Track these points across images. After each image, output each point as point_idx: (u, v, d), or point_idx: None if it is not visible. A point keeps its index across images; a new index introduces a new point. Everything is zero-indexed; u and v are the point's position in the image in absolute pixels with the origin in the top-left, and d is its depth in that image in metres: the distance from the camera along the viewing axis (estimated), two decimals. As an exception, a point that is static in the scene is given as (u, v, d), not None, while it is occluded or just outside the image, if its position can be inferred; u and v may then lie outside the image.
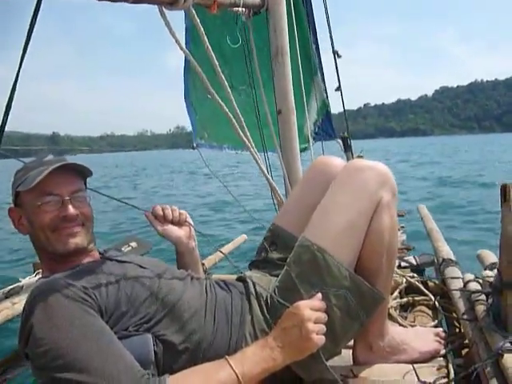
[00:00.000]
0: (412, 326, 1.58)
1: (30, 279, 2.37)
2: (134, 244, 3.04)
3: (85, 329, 1.00)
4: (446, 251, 2.02)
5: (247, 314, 1.22)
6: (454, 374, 1.25)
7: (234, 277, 1.45)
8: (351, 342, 1.37)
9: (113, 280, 1.13)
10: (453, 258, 1.93)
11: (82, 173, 1.23)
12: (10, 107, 1.63)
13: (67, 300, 1.02)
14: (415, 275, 1.96)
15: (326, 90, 3.45)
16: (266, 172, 1.71)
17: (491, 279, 1.43)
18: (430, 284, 1.89)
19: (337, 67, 3.32)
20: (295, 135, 1.98)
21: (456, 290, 1.56)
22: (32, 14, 1.49)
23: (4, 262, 5.23)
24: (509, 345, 1.14)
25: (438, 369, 1.29)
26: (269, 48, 2.07)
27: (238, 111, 1.54)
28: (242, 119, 1.57)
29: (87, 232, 1.20)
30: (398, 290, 1.82)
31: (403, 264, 2.17)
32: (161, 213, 1.30)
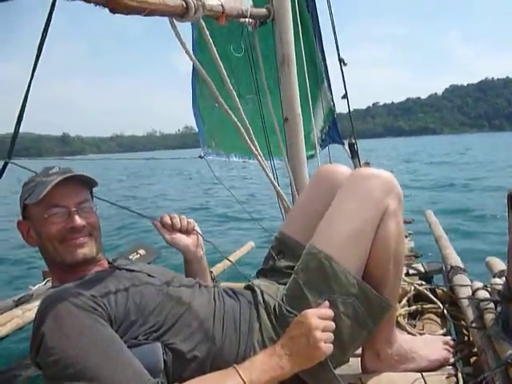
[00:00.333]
0: (421, 334, 1.57)
1: (40, 287, 2.39)
2: (142, 251, 3.07)
3: (95, 338, 1.01)
4: (455, 259, 2.01)
5: (255, 322, 1.23)
6: (464, 382, 1.24)
7: (242, 285, 1.45)
8: (359, 351, 1.37)
9: (122, 289, 1.14)
10: (461, 265, 1.92)
11: (88, 183, 1.25)
12: (22, 118, 1.65)
13: (77, 309, 1.03)
14: (423, 283, 1.95)
15: (332, 98, 3.46)
16: (273, 179, 1.72)
17: (500, 287, 1.43)
18: (439, 292, 1.88)
19: (343, 75, 3.33)
20: (302, 143, 1.99)
21: (464, 298, 1.55)
22: (45, 21, 1.52)
23: (15, 269, 5.28)
24: (518, 353, 1.13)
25: (447, 377, 1.29)
26: (274, 56, 2.10)
27: (246, 120, 1.55)
28: (250, 128, 1.58)
29: (95, 242, 1.22)
30: (406, 298, 1.81)
31: (411, 271, 2.16)
32: (169, 221, 1.31)
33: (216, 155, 3.08)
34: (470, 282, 1.69)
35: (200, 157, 2.95)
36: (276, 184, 1.76)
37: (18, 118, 1.65)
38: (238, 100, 1.53)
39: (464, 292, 1.62)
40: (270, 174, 1.70)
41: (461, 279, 1.75)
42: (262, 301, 1.27)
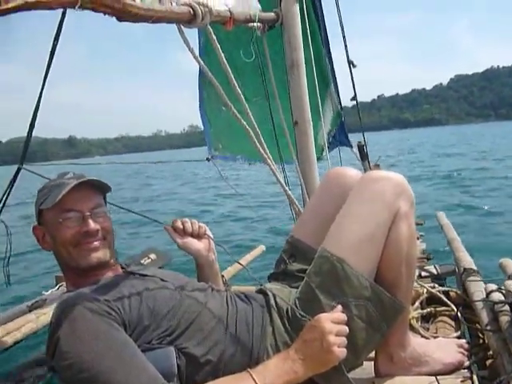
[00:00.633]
0: (434, 337, 1.56)
1: (53, 292, 2.41)
2: (153, 256, 3.08)
3: (109, 342, 1.02)
4: (468, 261, 1.99)
5: (268, 326, 1.23)
6: (479, 385, 1.23)
7: (254, 289, 1.45)
8: (372, 354, 1.36)
9: (135, 294, 1.15)
10: (474, 267, 1.90)
11: (102, 188, 1.26)
12: (34, 125, 1.68)
13: (92, 314, 1.04)
14: (436, 285, 1.94)
15: (340, 102, 3.45)
16: (283, 183, 1.72)
17: (514, 289, 1.41)
18: (452, 294, 1.86)
19: (352, 77, 3.32)
20: (312, 146, 1.99)
21: (479, 300, 1.54)
22: (56, 30, 1.54)
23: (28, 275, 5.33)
24: (534, 356, 1.12)
25: (463, 381, 1.27)
26: (282, 60, 2.10)
27: (255, 122, 1.56)
28: (259, 131, 1.59)
29: (109, 246, 1.23)
30: (419, 301, 1.79)
31: (424, 274, 2.15)
32: (180, 226, 1.32)
33: (223, 157, 3.09)
34: (483, 285, 1.67)
35: (207, 159, 2.97)
36: (286, 188, 1.76)
37: (30, 126, 1.68)
38: (245, 102, 1.53)
39: (478, 294, 1.60)
40: (281, 178, 1.70)
41: (474, 281, 1.73)
42: (274, 304, 1.27)
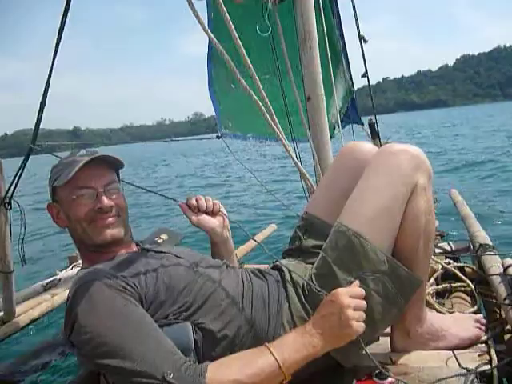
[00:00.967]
0: (450, 313, 1.55)
1: (67, 272, 2.44)
2: (164, 236, 3.08)
3: (127, 317, 1.02)
4: (483, 237, 1.97)
5: (284, 301, 1.22)
6: (497, 360, 1.22)
7: (268, 266, 1.45)
8: (388, 330, 1.36)
9: (151, 270, 1.15)
10: (490, 243, 1.88)
11: (114, 165, 1.25)
12: (44, 105, 1.66)
13: (109, 289, 1.05)
14: (451, 261, 1.92)
15: (351, 77, 3.39)
16: (295, 159, 1.70)
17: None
18: (467, 270, 1.84)
19: (363, 53, 3.25)
20: (325, 121, 1.96)
21: (496, 274, 1.52)
22: (60, 20, 1.52)
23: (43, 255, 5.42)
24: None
25: (480, 355, 1.26)
26: (293, 37, 2.05)
27: (267, 99, 1.53)
28: (271, 107, 1.56)
29: (123, 223, 1.23)
30: (434, 277, 1.78)
31: (437, 251, 2.13)
32: (195, 203, 1.31)
33: (233, 136, 3.07)
34: (500, 259, 1.66)
35: (217, 137, 2.95)
36: (299, 164, 1.74)
37: (40, 105, 1.66)
38: (257, 78, 1.49)
39: (495, 269, 1.59)
40: (293, 154, 1.68)
41: (490, 257, 1.71)
42: (290, 280, 1.27)
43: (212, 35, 1.40)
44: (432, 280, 1.78)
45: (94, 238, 1.19)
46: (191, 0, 1.38)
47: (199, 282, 1.17)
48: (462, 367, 1.18)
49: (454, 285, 1.75)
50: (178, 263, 1.21)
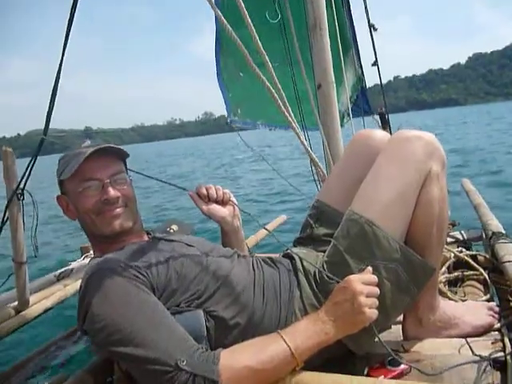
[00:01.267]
0: (463, 301, 1.54)
1: (79, 262, 2.46)
2: (175, 227, 3.10)
3: (139, 305, 1.03)
4: (496, 225, 1.95)
5: (296, 289, 1.22)
6: (511, 347, 1.21)
7: (279, 254, 1.45)
8: (400, 318, 1.35)
9: (162, 259, 1.15)
10: (503, 231, 1.86)
11: (120, 155, 1.25)
12: (55, 96, 1.67)
13: (121, 278, 1.05)
14: (464, 250, 1.90)
15: (361, 65, 3.36)
16: (307, 146, 1.69)
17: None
18: (480, 258, 1.82)
19: (373, 41, 3.21)
20: (335, 109, 1.94)
21: (509, 261, 1.50)
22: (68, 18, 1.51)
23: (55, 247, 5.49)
24: None
25: (493, 343, 1.25)
26: (300, 24, 2.03)
27: (280, 86, 1.52)
28: (284, 95, 1.54)
29: (131, 212, 1.23)
30: (446, 265, 1.77)
31: (449, 240, 2.11)
32: (205, 192, 1.31)
33: (242, 123, 3.07)
34: (514, 248, 1.64)
35: (226, 123, 2.95)
36: (311, 152, 1.73)
37: (51, 97, 1.67)
38: (270, 64, 1.48)
39: (508, 257, 1.56)
40: (305, 141, 1.67)
41: (504, 244, 1.69)
42: (301, 268, 1.26)
43: (223, 17, 1.37)
44: (444, 268, 1.76)
45: (103, 229, 1.20)
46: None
47: (211, 271, 1.18)
48: (476, 354, 1.17)
49: (466, 273, 1.73)
50: (189, 252, 1.22)
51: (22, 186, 1.66)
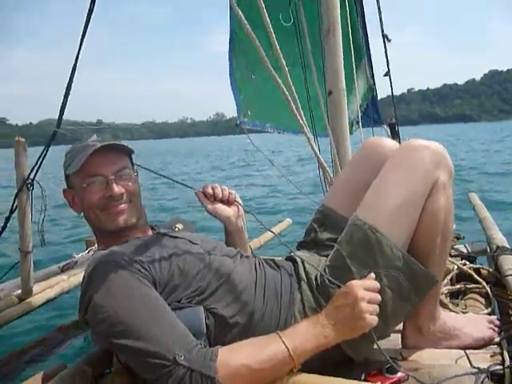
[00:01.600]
0: (464, 313, 1.53)
1: (83, 255, 2.48)
2: (179, 226, 3.12)
3: (141, 298, 1.04)
4: (500, 239, 1.94)
5: (297, 292, 1.23)
6: (510, 361, 1.21)
7: (282, 258, 1.45)
8: (399, 327, 1.35)
9: (165, 254, 1.16)
10: (507, 245, 1.85)
11: (125, 151, 1.27)
12: (69, 92, 1.69)
13: (124, 271, 1.06)
14: (467, 262, 1.90)
15: (373, 75, 3.36)
16: (317, 151, 1.70)
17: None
18: (483, 272, 1.82)
19: (386, 51, 3.21)
20: (345, 116, 1.95)
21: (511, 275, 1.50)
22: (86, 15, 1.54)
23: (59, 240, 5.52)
24: None
25: (492, 356, 1.25)
26: (313, 29, 2.03)
27: (294, 89, 1.52)
28: (297, 97, 1.55)
29: (135, 208, 1.24)
30: (448, 277, 1.77)
31: (453, 252, 2.11)
32: (211, 191, 1.32)
33: (252, 124, 3.08)
34: (517, 262, 1.63)
35: (236, 125, 2.96)
36: (320, 156, 1.73)
37: (65, 91, 1.69)
38: (286, 67, 1.49)
39: (511, 271, 1.56)
40: (315, 146, 1.67)
41: (507, 259, 1.69)
42: (303, 271, 1.27)
43: (240, 13, 1.37)
44: (447, 280, 1.76)
45: (107, 225, 1.21)
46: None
47: (213, 268, 1.18)
48: (474, 367, 1.17)
49: (468, 286, 1.73)
50: (192, 248, 1.23)
51: (32, 176, 1.68)
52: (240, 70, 2.91)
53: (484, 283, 1.70)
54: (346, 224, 1.27)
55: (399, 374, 1.12)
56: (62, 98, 1.63)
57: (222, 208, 1.33)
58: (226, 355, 0.99)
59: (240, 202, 1.39)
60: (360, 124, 2.57)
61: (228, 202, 1.35)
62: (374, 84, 3.40)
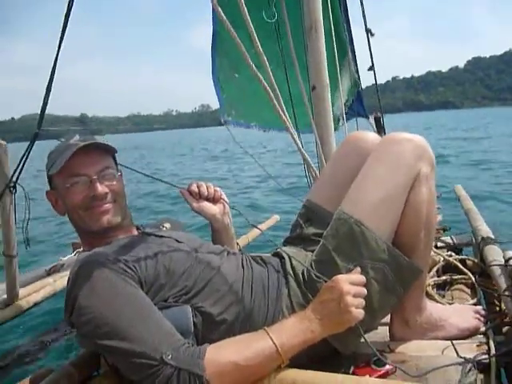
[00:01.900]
0: (450, 304, 1.55)
1: (70, 258, 2.46)
2: (167, 225, 3.10)
3: (126, 298, 1.03)
4: (485, 230, 1.97)
5: (284, 287, 1.23)
6: (495, 350, 1.22)
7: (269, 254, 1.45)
8: (387, 319, 1.36)
9: (151, 254, 1.15)
10: (492, 236, 1.88)
11: (109, 150, 1.25)
12: (50, 90, 1.67)
13: (109, 271, 1.05)
14: (453, 254, 1.92)
15: (357, 70, 3.37)
16: (301, 147, 1.70)
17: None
18: (469, 262, 1.84)
19: (370, 46, 3.23)
20: (329, 112, 1.95)
21: (497, 265, 1.52)
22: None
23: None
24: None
25: (478, 345, 1.26)
26: (296, 26, 2.03)
27: (276, 87, 1.52)
28: (280, 96, 1.55)
29: (119, 208, 1.23)
30: (435, 269, 1.78)
31: (440, 244, 2.13)
32: (196, 190, 1.31)
33: (236, 124, 3.08)
34: (501, 252, 1.65)
35: (220, 124, 2.96)
36: (304, 152, 1.74)
37: (46, 90, 1.66)
38: (268, 66, 1.48)
39: (496, 262, 1.58)
40: (299, 143, 1.68)
41: (492, 249, 1.71)
42: (290, 267, 1.27)
43: (223, 14, 1.37)
44: (433, 272, 1.78)
45: (91, 225, 1.19)
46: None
47: (199, 267, 1.18)
48: (460, 356, 1.18)
49: (454, 277, 1.75)
50: (178, 247, 1.22)
51: (14, 179, 1.65)
52: (223, 70, 2.91)
53: (470, 274, 1.72)
54: (331, 218, 1.27)
55: (387, 367, 1.13)
56: (43, 97, 1.60)
57: (207, 206, 1.33)
58: (213, 353, 0.99)
59: (226, 199, 1.39)
60: (345, 119, 2.58)
61: (214, 199, 1.35)
62: (359, 79, 3.42)
